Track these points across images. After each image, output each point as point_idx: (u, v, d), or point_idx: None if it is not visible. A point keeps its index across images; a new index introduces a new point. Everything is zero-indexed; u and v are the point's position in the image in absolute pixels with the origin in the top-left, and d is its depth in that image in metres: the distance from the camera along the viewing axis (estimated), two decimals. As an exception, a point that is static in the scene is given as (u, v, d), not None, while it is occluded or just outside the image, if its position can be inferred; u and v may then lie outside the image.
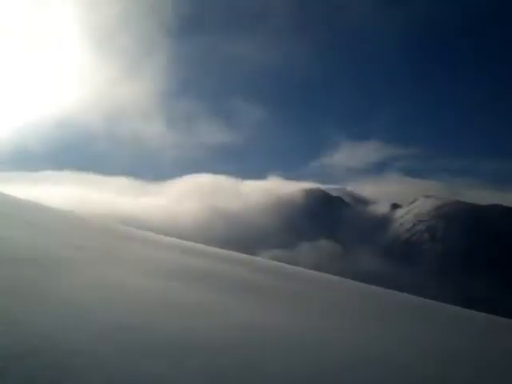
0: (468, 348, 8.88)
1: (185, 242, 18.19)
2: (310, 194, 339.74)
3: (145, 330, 5.16)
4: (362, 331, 8.37)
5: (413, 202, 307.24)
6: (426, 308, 14.54)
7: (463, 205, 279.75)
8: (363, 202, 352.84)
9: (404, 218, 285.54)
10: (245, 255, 19.01)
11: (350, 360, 5.98)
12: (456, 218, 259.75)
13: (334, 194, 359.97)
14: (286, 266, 18.49)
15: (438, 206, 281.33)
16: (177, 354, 4.67)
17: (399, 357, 6.76)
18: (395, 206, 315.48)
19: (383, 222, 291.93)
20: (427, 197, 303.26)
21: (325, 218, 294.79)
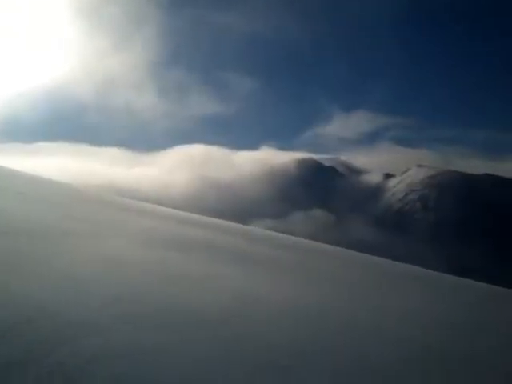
0: (467, 319, 8.91)
1: (180, 212, 18.16)
2: (302, 164, 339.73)
3: (145, 302, 5.12)
4: (362, 302, 8.37)
5: (405, 171, 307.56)
6: (423, 277, 14.60)
7: (456, 174, 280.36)
8: (356, 171, 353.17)
9: (396, 187, 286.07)
10: (240, 225, 19.03)
11: (351, 332, 5.98)
12: (448, 188, 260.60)
13: (327, 163, 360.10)
14: (283, 235, 18.51)
15: (431, 175, 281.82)
16: (177, 325, 4.64)
17: (399, 328, 6.76)
18: (388, 176, 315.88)
19: (376, 191, 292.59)
20: (420, 166, 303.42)
21: (318, 188, 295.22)
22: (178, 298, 5.53)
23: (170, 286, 6.04)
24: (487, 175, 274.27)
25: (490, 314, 10.08)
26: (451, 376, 5.16)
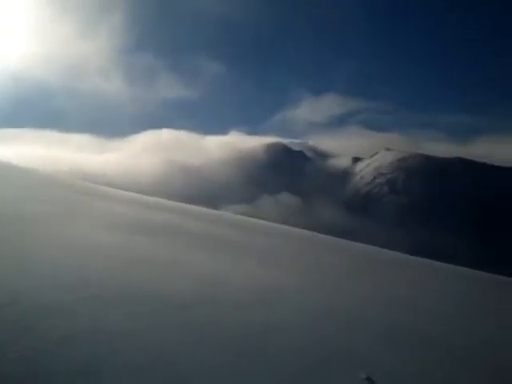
0: (455, 304, 9.05)
1: (149, 198, 18.11)
2: (271, 148, 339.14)
3: (112, 286, 5.13)
4: (335, 286, 8.46)
5: (374, 155, 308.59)
6: (391, 260, 14.79)
7: (425, 158, 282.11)
8: (324, 155, 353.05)
9: (365, 171, 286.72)
10: (210, 210, 19.03)
11: (325, 315, 6.05)
12: (417, 171, 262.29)
13: (296, 148, 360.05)
14: (252, 220, 18.56)
15: (399, 158, 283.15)
16: (145, 310, 4.67)
17: (390, 316, 6.85)
18: (356, 160, 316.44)
19: (344, 175, 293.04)
20: (388, 150, 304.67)
21: (286, 173, 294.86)
22: (144, 283, 5.52)
23: (137, 270, 6.03)
24: (458, 159, 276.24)
25: (472, 298, 10.24)
26: (442, 362, 5.27)
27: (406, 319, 6.87)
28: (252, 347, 4.34)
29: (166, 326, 4.38)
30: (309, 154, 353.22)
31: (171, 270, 6.46)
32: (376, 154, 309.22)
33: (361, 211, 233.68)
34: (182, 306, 5.04)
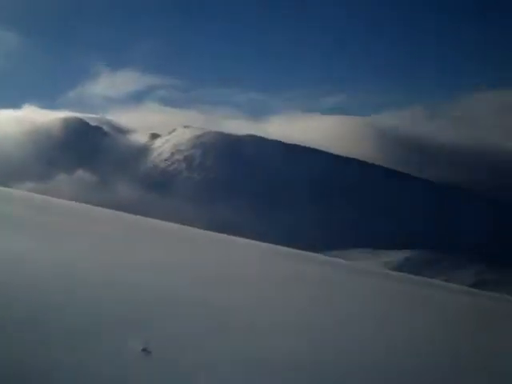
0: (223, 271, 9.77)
1: None
2: (67, 123, 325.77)
3: None
4: (119, 258, 8.90)
5: (172, 132, 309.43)
6: (183, 234, 15.46)
7: (220, 135, 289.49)
8: (122, 131, 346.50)
9: (162, 147, 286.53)
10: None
11: (112, 285, 6.49)
12: (213, 148, 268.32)
13: (93, 123, 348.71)
14: (43, 197, 18.29)
15: (196, 136, 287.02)
16: None
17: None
18: (154, 136, 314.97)
19: (142, 151, 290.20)
20: (186, 127, 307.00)
21: (82, 148, 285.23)
22: None
23: None
24: (250, 136, 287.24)
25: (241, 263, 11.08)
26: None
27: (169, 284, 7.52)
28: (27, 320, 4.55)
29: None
30: (106, 129, 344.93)
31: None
32: (174, 130, 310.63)
33: (158, 188, 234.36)
34: None
